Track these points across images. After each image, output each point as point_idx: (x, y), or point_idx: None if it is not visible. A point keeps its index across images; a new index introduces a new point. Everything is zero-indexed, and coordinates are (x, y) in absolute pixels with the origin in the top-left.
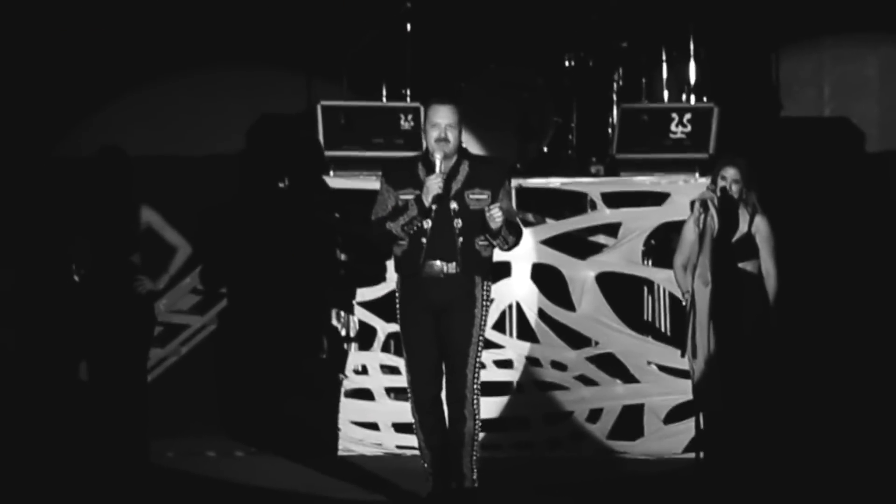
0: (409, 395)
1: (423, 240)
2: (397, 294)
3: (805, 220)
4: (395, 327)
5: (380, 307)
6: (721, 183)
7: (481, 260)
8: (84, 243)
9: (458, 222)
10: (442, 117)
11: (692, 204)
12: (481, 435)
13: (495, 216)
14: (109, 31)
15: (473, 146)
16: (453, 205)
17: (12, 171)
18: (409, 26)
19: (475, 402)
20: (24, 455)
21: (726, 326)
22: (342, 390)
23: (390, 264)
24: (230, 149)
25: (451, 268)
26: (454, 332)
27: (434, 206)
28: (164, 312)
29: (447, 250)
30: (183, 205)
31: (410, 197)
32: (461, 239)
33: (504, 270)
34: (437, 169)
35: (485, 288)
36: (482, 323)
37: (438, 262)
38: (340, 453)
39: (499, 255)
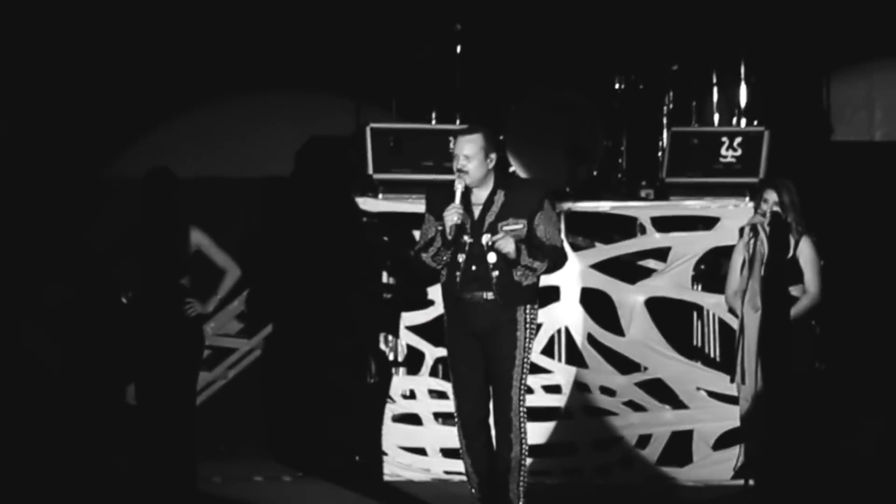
0: (456, 419)
1: (457, 273)
2: (445, 319)
3: (855, 244)
4: (443, 351)
5: (428, 331)
6: (763, 207)
7: (522, 290)
8: (132, 265)
9: (493, 256)
10: (459, 148)
11: (742, 229)
12: (529, 460)
13: (501, 248)
14: (161, 54)
15: (522, 169)
16: (486, 238)
17: (66, 191)
18: (458, 49)
19: (521, 426)
20: (70, 478)
21: (776, 353)
22: (390, 415)
23: (438, 288)
24: (279, 171)
25: (490, 296)
26: (497, 355)
27: (466, 239)
28: (211, 335)
29: (483, 284)
30: (231, 227)
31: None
32: (496, 273)
33: (553, 295)
34: (456, 200)
35: (528, 312)
36: (526, 346)
37: (477, 293)
38: (387, 478)
39: (547, 280)
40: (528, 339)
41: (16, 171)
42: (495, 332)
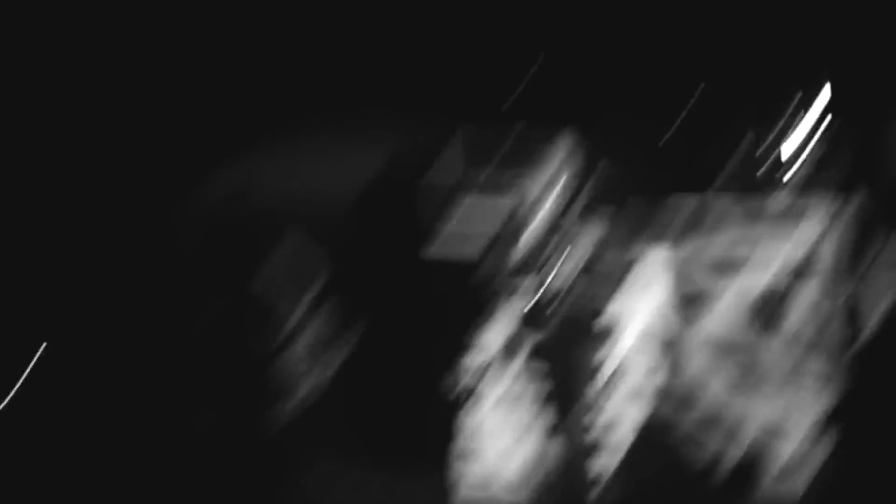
0: (525, 453)
1: (533, 295)
2: (510, 354)
3: None
4: (506, 387)
5: (492, 366)
6: (839, 219)
7: (577, 322)
8: (203, 299)
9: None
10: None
11: (807, 250)
12: (594, 495)
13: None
14: (241, 92)
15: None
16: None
17: (139, 220)
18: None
19: (587, 462)
20: None
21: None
22: (455, 450)
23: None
24: (352, 205)
25: (559, 320)
26: (558, 391)
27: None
28: (285, 367)
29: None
30: (308, 260)
31: None
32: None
33: (613, 331)
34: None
35: (586, 349)
36: (587, 384)
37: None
38: None
39: (606, 319)
40: (588, 377)
41: (89, 200)
42: (554, 369)
